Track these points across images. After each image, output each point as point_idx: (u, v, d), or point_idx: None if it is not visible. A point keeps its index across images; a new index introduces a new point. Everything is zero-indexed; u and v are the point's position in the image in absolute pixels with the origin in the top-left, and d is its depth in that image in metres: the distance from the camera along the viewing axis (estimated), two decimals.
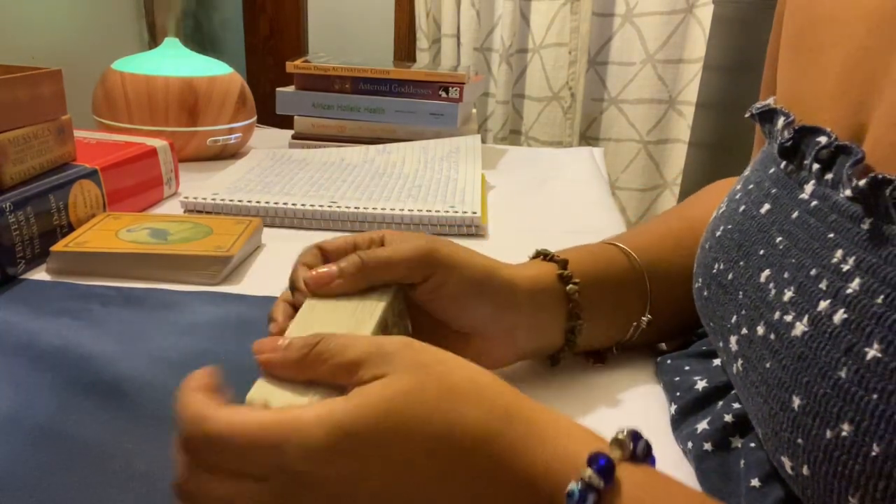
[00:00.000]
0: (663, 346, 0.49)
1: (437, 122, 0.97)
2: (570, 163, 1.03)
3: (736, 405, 0.35)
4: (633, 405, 0.43)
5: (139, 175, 0.73)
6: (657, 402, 0.43)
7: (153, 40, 1.39)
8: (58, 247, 0.57)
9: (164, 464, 0.35)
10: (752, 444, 0.33)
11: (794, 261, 0.30)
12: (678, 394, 0.40)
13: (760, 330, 0.30)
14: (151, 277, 0.57)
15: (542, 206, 0.82)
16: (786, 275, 0.30)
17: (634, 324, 0.45)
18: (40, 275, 0.57)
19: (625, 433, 0.26)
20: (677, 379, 0.41)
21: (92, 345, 0.46)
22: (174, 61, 0.92)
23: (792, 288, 0.29)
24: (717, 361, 0.41)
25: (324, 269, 0.35)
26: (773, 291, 0.30)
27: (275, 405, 0.29)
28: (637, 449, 0.26)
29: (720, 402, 0.37)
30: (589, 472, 0.25)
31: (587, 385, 0.44)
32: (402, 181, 0.80)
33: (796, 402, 0.27)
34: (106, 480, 0.34)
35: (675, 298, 0.45)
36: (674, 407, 0.40)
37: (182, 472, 0.27)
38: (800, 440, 0.26)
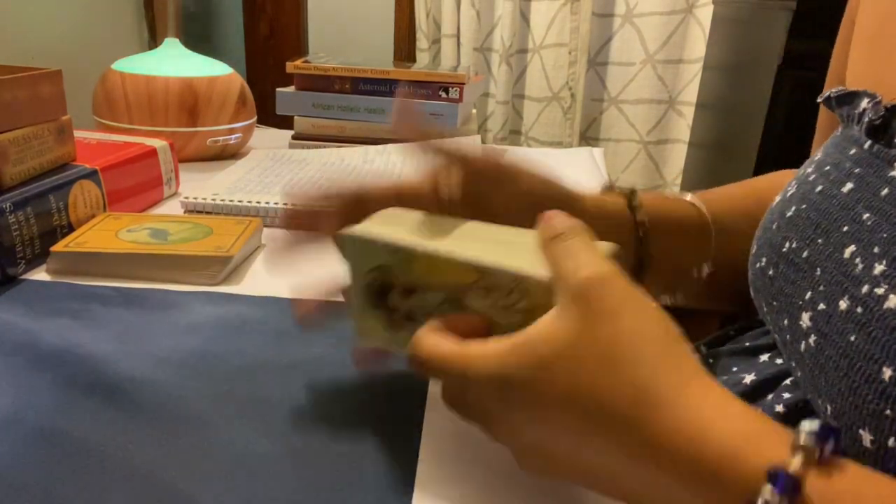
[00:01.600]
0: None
1: (436, 122, 0.97)
2: (570, 163, 1.03)
3: (787, 395, 0.35)
4: None
5: (139, 175, 0.73)
6: None
7: (153, 40, 1.39)
8: (58, 247, 0.57)
9: (165, 464, 0.35)
10: None
11: (885, 235, 0.30)
12: None
13: (843, 304, 0.30)
14: (151, 277, 0.57)
15: None
16: (875, 249, 0.30)
17: (696, 269, 0.45)
18: (40, 275, 0.57)
19: (808, 434, 0.23)
20: (725, 378, 0.41)
21: (92, 345, 0.46)
22: (174, 61, 0.92)
23: (884, 262, 0.29)
24: (764, 357, 0.40)
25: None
26: (860, 266, 0.30)
27: None
28: (825, 452, 0.23)
29: (770, 395, 0.37)
30: (769, 490, 0.22)
31: None
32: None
33: (887, 373, 0.27)
34: (106, 480, 0.34)
35: (734, 257, 0.45)
36: None
37: None
38: (888, 411, 0.26)
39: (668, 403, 0.25)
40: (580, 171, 0.98)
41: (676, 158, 1.61)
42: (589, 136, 1.68)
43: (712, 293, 0.46)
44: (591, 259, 0.29)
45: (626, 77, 1.59)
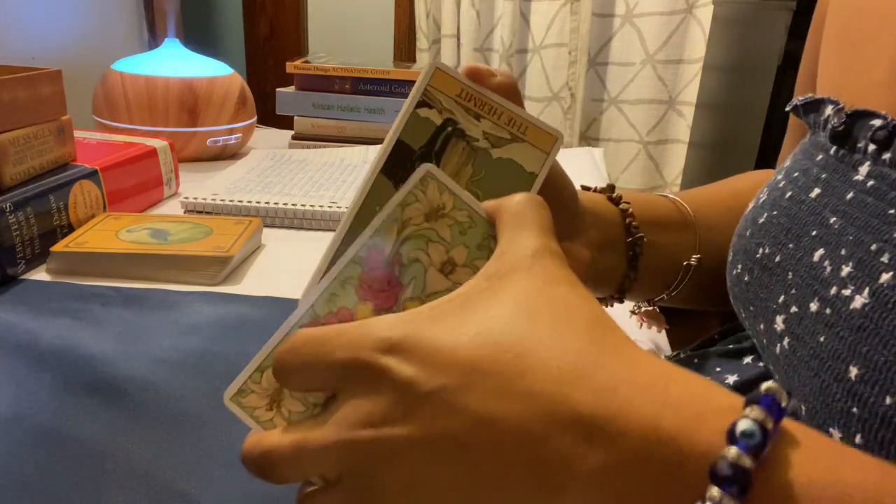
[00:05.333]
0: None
1: None
2: (570, 163, 1.02)
3: None
4: None
5: (139, 175, 0.73)
6: None
7: (153, 41, 1.39)
8: (58, 247, 0.57)
9: (164, 464, 0.35)
10: None
11: (851, 238, 0.30)
12: None
13: (814, 306, 0.31)
14: (151, 277, 0.57)
15: None
16: (842, 252, 0.30)
17: (685, 263, 0.46)
18: (40, 275, 0.57)
19: (774, 385, 0.21)
20: (709, 378, 0.41)
21: (92, 345, 0.46)
22: (174, 62, 0.92)
23: (850, 264, 0.30)
24: (748, 360, 0.41)
25: None
26: (828, 269, 0.31)
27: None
28: (790, 403, 0.21)
29: None
30: (757, 409, 0.20)
31: None
32: None
33: (853, 371, 0.27)
34: (106, 480, 0.34)
35: (720, 253, 0.46)
36: None
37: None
38: (855, 409, 0.27)
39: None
40: (580, 171, 0.98)
41: (676, 158, 1.61)
42: (589, 137, 1.68)
43: (703, 291, 0.47)
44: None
45: (626, 77, 1.59)
